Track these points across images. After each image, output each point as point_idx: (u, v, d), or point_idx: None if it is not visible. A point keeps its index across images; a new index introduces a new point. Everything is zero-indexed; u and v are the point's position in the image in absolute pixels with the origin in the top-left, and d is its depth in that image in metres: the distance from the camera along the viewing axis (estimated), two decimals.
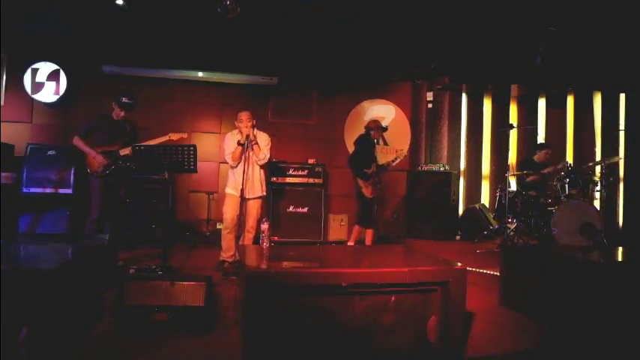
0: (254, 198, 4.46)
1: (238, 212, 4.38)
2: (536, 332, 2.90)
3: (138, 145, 4.06)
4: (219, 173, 6.67)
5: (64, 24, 5.54)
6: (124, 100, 4.44)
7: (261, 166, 4.53)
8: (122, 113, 4.48)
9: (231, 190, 4.46)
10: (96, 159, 4.34)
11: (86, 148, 4.37)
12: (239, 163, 4.41)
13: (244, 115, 4.36)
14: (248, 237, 4.47)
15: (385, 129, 5.48)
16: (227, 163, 4.55)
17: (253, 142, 4.31)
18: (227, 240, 4.44)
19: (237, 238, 4.48)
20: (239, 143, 4.31)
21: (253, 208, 4.47)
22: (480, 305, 3.38)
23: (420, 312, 2.29)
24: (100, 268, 3.17)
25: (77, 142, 4.40)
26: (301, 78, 6.98)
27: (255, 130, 4.38)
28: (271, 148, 4.56)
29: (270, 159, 4.58)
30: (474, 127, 7.69)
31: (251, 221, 4.46)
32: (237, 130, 4.47)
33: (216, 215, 6.35)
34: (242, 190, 4.22)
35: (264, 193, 4.58)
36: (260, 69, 6.65)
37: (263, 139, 4.46)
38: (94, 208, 4.37)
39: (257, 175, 4.49)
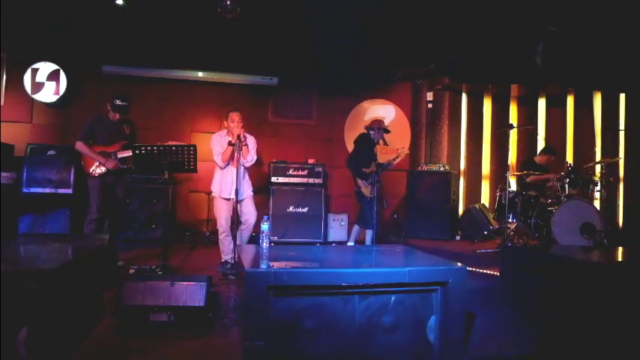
0: (246, 197, 4.47)
1: (231, 213, 4.34)
2: (535, 333, 2.90)
3: (138, 145, 4.06)
4: None
5: (64, 24, 5.54)
6: (117, 102, 4.40)
7: (246, 167, 4.51)
8: (117, 115, 4.45)
9: (221, 194, 4.44)
10: (106, 164, 4.31)
11: (92, 154, 4.31)
12: (228, 164, 4.39)
13: (236, 116, 4.33)
14: (245, 234, 4.46)
15: (388, 131, 5.48)
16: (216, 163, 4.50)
17: (243, 143, 4.25)
18: (226, 243, 4.42)
19: (234, 237, 4.42)
20: (230, 143, 4.26)
21: (248, 207, 4.48)
22: (480, 305, 3.38)
23: (420, 312, 2.29)
24: (100, 268, 3.17)
25: (81, 147, 4.31)
26: (301, 78, 6.97)
27: (243, 131, 4.34)
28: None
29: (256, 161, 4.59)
30: (474, 127, 7.68)
31: (249, 218, 4.45)
32: (224, 131, 4.46)
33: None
34: (236, 191, 4.17)
35: (252, 192, 4.60)
36: (260, 69, 6.65)
37: (251, 141, 4.46)
38: (93, 208, 4.36)
39: (246, 176, 4.52)
